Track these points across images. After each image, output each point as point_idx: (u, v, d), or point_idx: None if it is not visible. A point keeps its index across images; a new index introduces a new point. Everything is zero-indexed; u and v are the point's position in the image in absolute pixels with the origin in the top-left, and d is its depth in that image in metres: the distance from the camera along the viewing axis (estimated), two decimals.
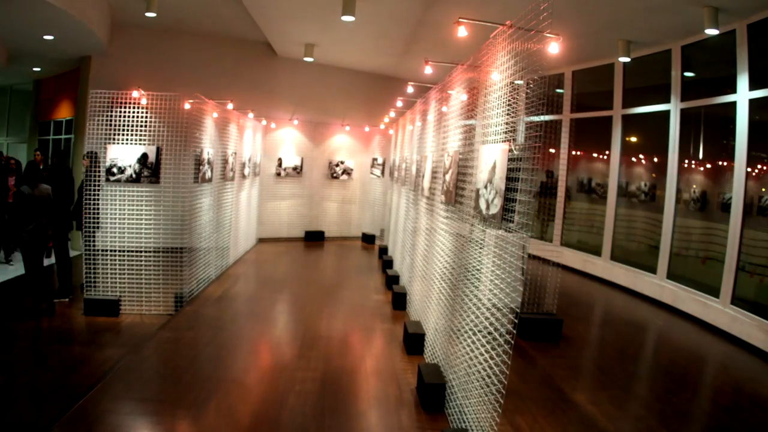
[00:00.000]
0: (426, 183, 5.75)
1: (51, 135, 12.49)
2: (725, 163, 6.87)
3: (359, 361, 4.87)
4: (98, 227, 6.00)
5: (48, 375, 4.30)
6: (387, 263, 8.76)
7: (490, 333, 3.07)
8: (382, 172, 12.35)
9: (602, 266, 8.87)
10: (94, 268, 5.94)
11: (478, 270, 3.69)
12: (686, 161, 7.52)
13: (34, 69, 11.58)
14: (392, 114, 10.76)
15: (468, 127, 4.20)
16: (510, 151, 3.04)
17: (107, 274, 5.98)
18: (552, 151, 9.48)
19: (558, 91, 9.89)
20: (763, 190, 6.17)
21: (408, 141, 8.23)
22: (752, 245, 6.12)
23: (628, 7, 6.43)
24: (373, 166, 12.40)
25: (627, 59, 7.78)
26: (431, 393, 3.91)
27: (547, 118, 9.64)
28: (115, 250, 5.99)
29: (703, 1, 5.80)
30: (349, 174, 12.23)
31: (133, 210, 6.10)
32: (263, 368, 4.69)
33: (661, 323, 6.59)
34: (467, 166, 4.06)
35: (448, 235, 4.47)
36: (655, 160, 8.36)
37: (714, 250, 6.81)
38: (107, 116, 6.00)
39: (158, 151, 6.13)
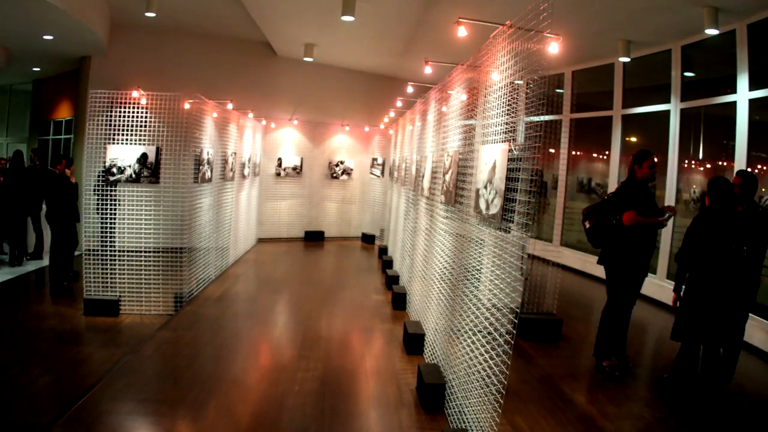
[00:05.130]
0: (426, 183, 5.74)
1: (51, 135, 12.50)
2: (725, 163, 6.86)
3: (359, 361, 4.87)
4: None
5: (48, 375, 4.30)
6: (387, 263, 8.75)
7: (489, 333, 3.07)
8: (382, 172, 12.34)
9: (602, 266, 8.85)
10: (94, 268, 5.94)
11: (477, 270, 3.68)
12: (686, 161, 7.52)
13: (34, 69, 11.58)
14: (392, 114, 10.76)
15: (468, 127, 4.19)
16: (510, 151, 3.04)
17: (107, 274, 5.97)
18: (552, 151, 9.48)
19: (558, 91, 9.88)
20: (764, 190, 6.17)
21: (408, 141, 8.23)
22: None
23: (628, 7, 6.43)
24: (372, 166, 12.40)
25: (627, 59, 7.78)
26: (431, 393, 3.91)
27: (547, 118, 9.63)
28: (114, 250, 5.99)
29: (703, 1, 5.79)
30: (348, 174, 12.22)
31: (132, 210, 6.10)
32: (263, 368, 4.69)
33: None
34: (467, 166, 4.05)
35: (448, 235, 4.47)
36: (655, 160, 8.35)
37: None
38: (107, 116, 6.00)
39: (158, 151, 6.13)
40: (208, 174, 7.06)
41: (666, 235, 7.50)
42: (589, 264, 9.16)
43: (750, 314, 5.86)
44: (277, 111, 11.44)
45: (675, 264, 7.36)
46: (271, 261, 9.68)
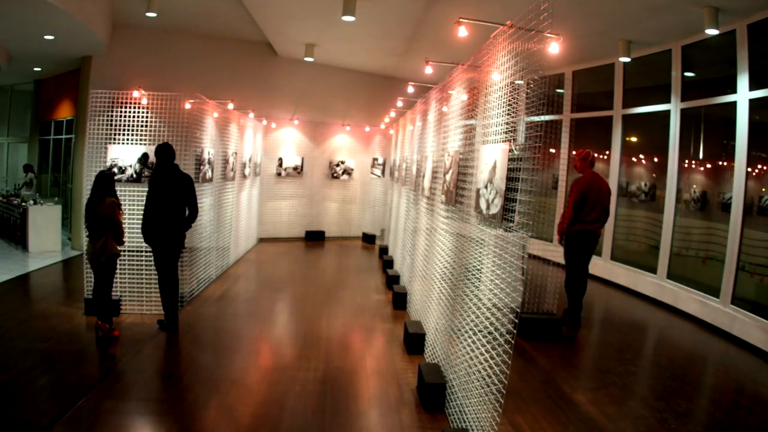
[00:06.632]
0: (426, 183, 5.75)
1: (52, 135, 12.51)
2: (725, 163, 6.87)
3: (360, 361, 4.87)
4: None
5: (48, 375, 4.31)
6: (387, 263, 8.76)
7: (490, 333, 3.07)
8: (383, 172, 12.35)
9: (602, 266, 8.87)
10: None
11: (478, 270, 3.69)
12: (686, 161, 7.52)
13: (35, 69, 11.58)
14: (393, 114, 10.76)
15: (468, 127, 4.20)
16: (510, 151, 3.05)
17: None
18: (552, 151, 9.48)
19: (558, 91, 9.89)
20: (764, 190, 6.17)
21: (408, 141, 8.23)
22: (752, 245, 6.12)
23: (628, 7, 6.44)
24: (373, 166, 12.40)
25: (627, 59, 7.78)
26: (432, 393, 3.91)
27: (547, 118, 9.64)
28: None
29: (703, 1, 5.80)
30: (349, 174, 12.23)
31: (133, 210, 6.10)
32: (263, 368, 4.70)
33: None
34: (467, 166, 4.06)
35: (449, 235, 4.47)
36: (656, 160, 8.36)
37: (714, 250, 6.81)
38: (108, 116, 6.00)
39: None
40: (208, 174, 7.07)
41: (666, 234, 7.51)
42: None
43: (750, 314, 5.88)
44: (278, 111, 11.44)
45: (675, 264, 7.38)
46: (272, 261, 9.68)
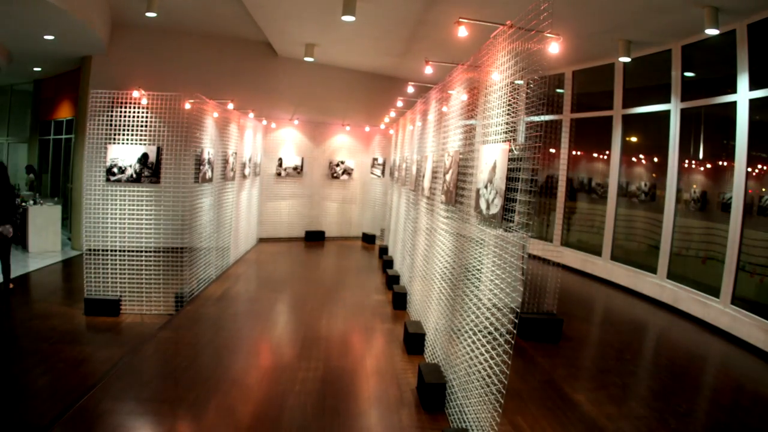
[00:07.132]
0: (426, 183, 5.75)
1: (51, 135, 12.50)
2: (725, 163, 6.87)
3: (359, 361, 4.87)
4: None
5: (48, 375, 4.31)
6: (387, 263, 8.76)
7: (490, 333, 3.07)
8: (383, 172, 12.35)
9: (602, 266, 8.87)
10: (95, 268, 5.95)
11: (478, 270, 3.69)
12: (686, 161, 7.52)
13: (35, 69, 11.57)
14: (393, 114, 10.76)
15: (468, 127, 4.20)
16: (510, 151, 3.05)
17: (107, 274, 5.98)
18: (552, 151, 9.48)
19: (558, 91, 9.89)
20: (764, 189, 6.18)
21: (408, 141, 8.23)
22: (752, 245, 6.12)
23: (628, 7, 6.43)
24: (373, 166, 12.40)
25: (627, 59, 7.78)
26: (431, 393, 3.91)
27: (547, 118, 9.63)
28: (115, 250, 5.99)
29: (703, 1, 5.80)
30: (349, 174, 12.23)
31: (133, 210, 6.10)
32: (263, 368, 4.70)
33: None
34: (467, 166, 4.06)
35: (449, 235, 4.47)
36: (656, 160, 8.36)
37: (714, 250, 6.81)
38: (108, 116, 6.01)
39: (159, 151, 6.13)
40: (208, 174, 7.07)
41: (666, 234, 7.51)
42: (590, 263, 9.17)
43: (750, 314, 5.89)
44: (278, 111, 11.44)
45: (675, 264, 7.38)
46: (272, 261, 9.68)
